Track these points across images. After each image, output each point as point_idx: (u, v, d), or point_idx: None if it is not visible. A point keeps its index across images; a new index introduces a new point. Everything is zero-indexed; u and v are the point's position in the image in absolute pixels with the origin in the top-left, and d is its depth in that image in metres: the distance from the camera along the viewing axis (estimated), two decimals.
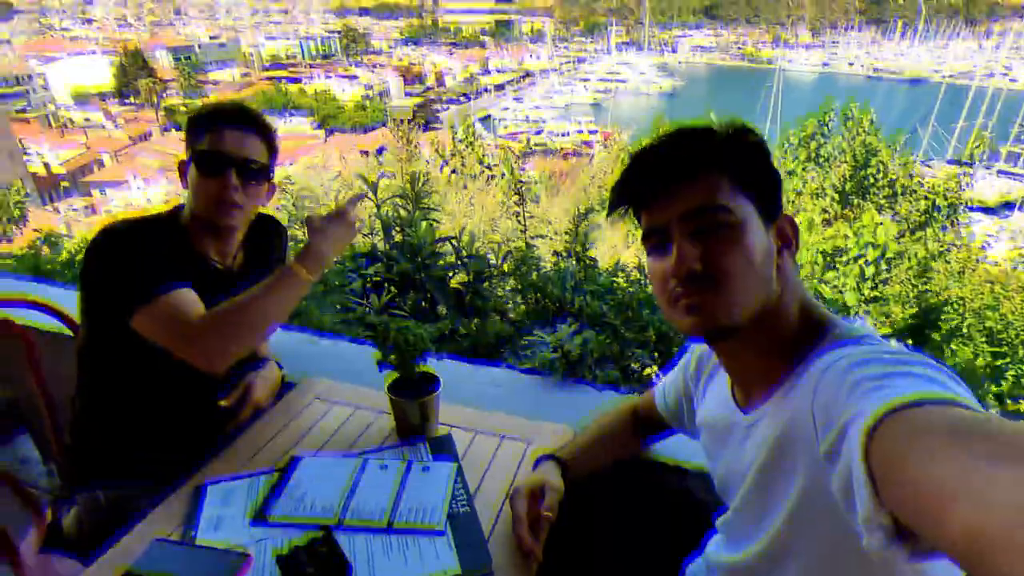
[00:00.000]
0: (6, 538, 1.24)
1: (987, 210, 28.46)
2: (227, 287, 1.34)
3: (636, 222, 0.88)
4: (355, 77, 67.36)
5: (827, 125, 10.04)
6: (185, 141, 1.33)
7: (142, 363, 1.27)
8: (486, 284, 2.71)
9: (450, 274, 2.56)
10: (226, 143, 1.30)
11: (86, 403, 1.37)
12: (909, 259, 7.19)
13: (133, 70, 57.48)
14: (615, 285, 2.24)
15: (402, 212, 2.89)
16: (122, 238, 1.25)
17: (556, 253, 2.73)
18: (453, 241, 2.56)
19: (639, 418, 1.26)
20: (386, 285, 2.63)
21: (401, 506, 1.09)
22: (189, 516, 1.08)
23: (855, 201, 9.39)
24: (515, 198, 3.08)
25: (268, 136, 1.39)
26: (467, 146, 14.19)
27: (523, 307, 2.62)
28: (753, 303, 0.76)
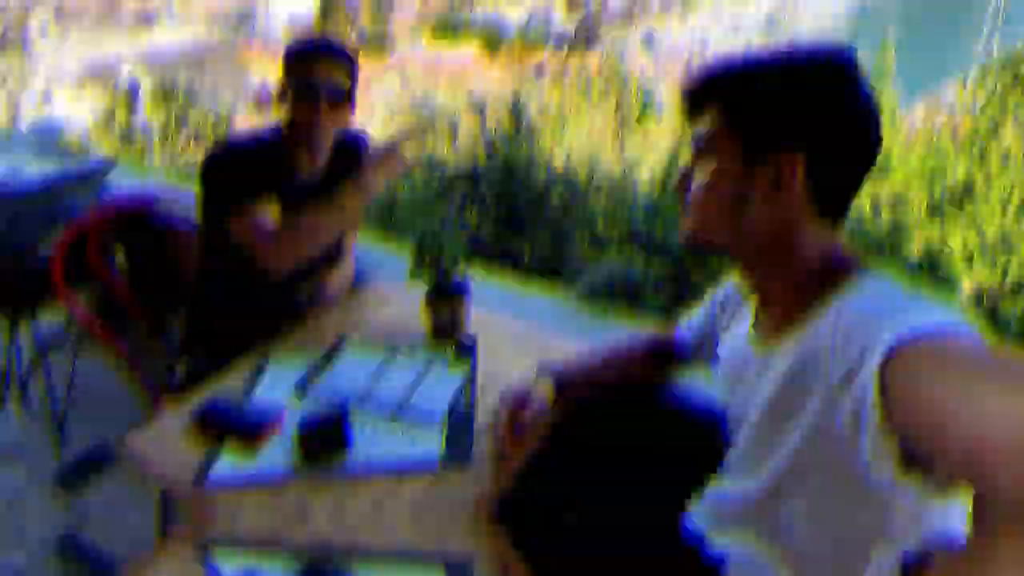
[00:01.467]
0: (151, 389, 1.61)
1: None
2: (312, 195, 1.54)
3: None
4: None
5: None
6: (282, 69, 1.51)
7: (235, 259, 1.52)
8: (579, 205, 2.70)
9: (537, 193, 2.59)
10: (316, 72, 1.47)
11: (198, 288, 1.68)
12: None
13: None
14: None
15: (506, 133, 2.93)
16: (226, 156, 1.51)
17: (653, 180, 2.61)
18: (545, 163, 2.57)
19: (659, 349, 1.24)
20: (483, 199, 2.73)
21: (412, 398, 1.23)
22: (252, 380, 1.31)
23: None
24: (615, 121, 2.95)
25: (350, 64, 1.53)
26: (610, 70, 13.48)
27: (612, 228, 2.58)
28: (711, 224, 0.82)
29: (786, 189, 0.76)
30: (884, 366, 0.58)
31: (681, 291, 1.79)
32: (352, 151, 1.70)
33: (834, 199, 0.79)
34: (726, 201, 0.80)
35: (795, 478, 0.77)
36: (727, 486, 0.95)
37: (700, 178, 0.82)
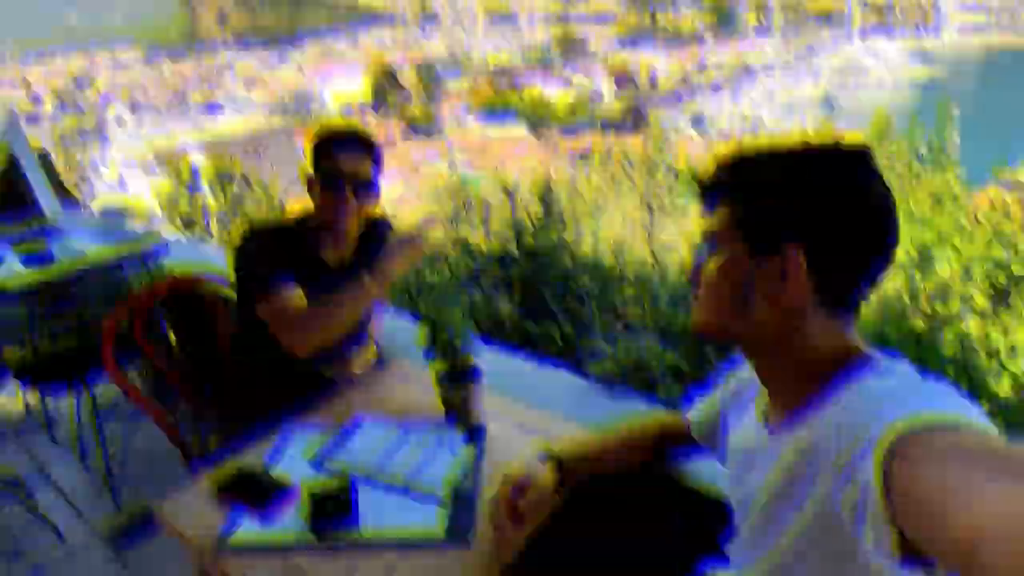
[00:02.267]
0: (191, 457, 1.74)
1: None
2: (337, 282, 1.68)
3: None
4: (568, 81, 69.56)
5: None
6: (310, 159, 1.67)
7: (265, 337, 1.65)
8: (608, 292, 2.78)
9: (562, 279, 2.68)
10: (342, 163, 1.62)
11: (232, 363, 1.82)
12: None
13: (384, 83, 67.13)
14: None
15: (537, 219, 3.09)
16: (256, 240, 1.64)
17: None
18: (573, 248, 2.69)
19: (667, 435, 1.27)
20: (509, 284, 2.85)
21: (421, 475, 1.29)
22: (275, 450, 1.41)
23: None
24: (644, 209, 3.05)
25: (375, 155, 1.68)
26: (658, 151, 13.85)
27: (640, 317, 2.64)
28: (716, 315, 0.85)
29: (791, 283, 0.77)
30: (886, 457, 0.59)
31: (698, 380, 1.81)
32: (377, 238, 1.83)
33: (841, 292, 0.79)
34: (732, 294, 0.82)
35: (796, 565, 0.78)
36: (723, 571, 0.96)
37: (708, 272, 0.85)
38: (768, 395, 0.90)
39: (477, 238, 3.55)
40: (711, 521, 1.18)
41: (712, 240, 0.85)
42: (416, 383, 1.65)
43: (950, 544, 0.50)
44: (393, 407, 1.56)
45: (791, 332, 0.80)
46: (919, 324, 1.96)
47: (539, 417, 1.47)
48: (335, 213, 1.62)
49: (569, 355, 2.22)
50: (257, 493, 1.25)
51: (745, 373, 1.05)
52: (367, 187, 1.65)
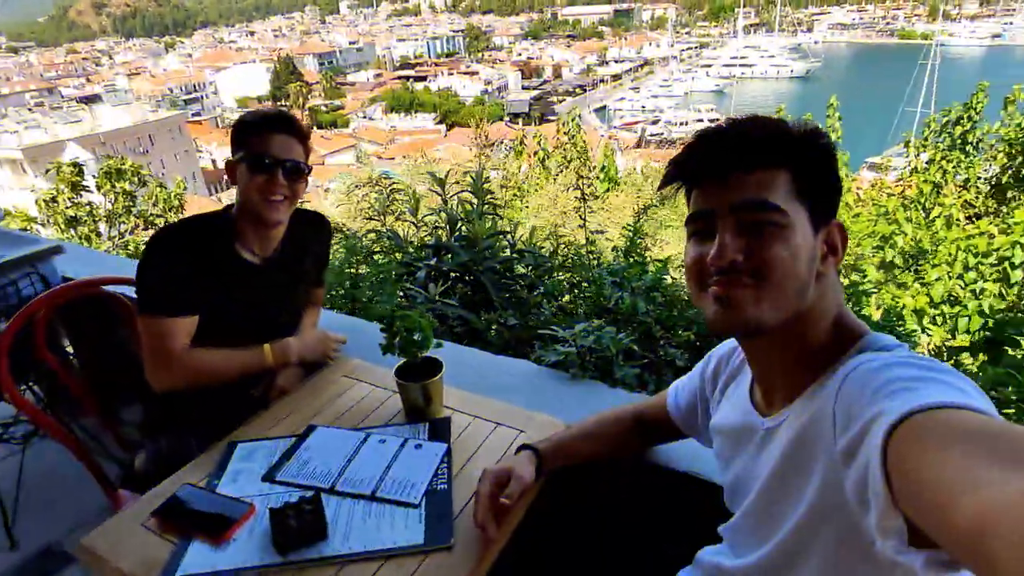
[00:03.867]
0: (107, 480, 1.53)
1: None
2: (262, 280, 1.54)
3: (686, 202, 0.86)
4: (475, 73, 69.45)
5: (975, 108, 8.78)
6: (233, 143, 1.52)
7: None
8: (545, 278, 2.77)
9: (501, 267, 2.64)
10: (273, 145, 1.47)
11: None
12: None
13: (285, 75, 63.81)
14: (662, 281, 2.19)
15: (467, 207, 3.02)
16: (164, 245, 1.44)
17: (615, 249, 2.71)
18: (509, 236, 2.65)
19: (644, 421, 1.25)
20: (448, 275, 2.77)
21: (387, 479, 1.19)
22: (218, 468, 1.27)
23: (1011, 194, 8.16)
24: (576, 193, 3.07)
25: (305, 140, 1.55)
26: (569, 139, 14.14)
27: (580, 303, 2.64)
28: (786, 307, 0.75)
29: (838, 255, 0.77)
30: (888, 440, 0.56)
31: (651, 362, 1.83)
32: (308, 234, 1.69)
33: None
34: (806, 277, 0.74)
35: (800, 551, 0.75)
36: (725, 560, 0.92)
37: (785, 250, 0.73)
38: (761, 373, 0.87)
39: (405, 231, 3.43)
40: (701, 505, 1.19)
41: (769, 212, 0.73)
42: (371, 383, 1.55)
43: (954, 532, 0.48)
44: (349, 411, 1.45)
45: (821, 308, 0.77)
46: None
47: (502, 409, 1.42)
48: (264, 199, 1.47)
49: (519, 344, 2.18)
50: (204, 517, 1.11)
51: (726, 351, 1.03)
52: (299, 172, 1.52)
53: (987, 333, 4.04)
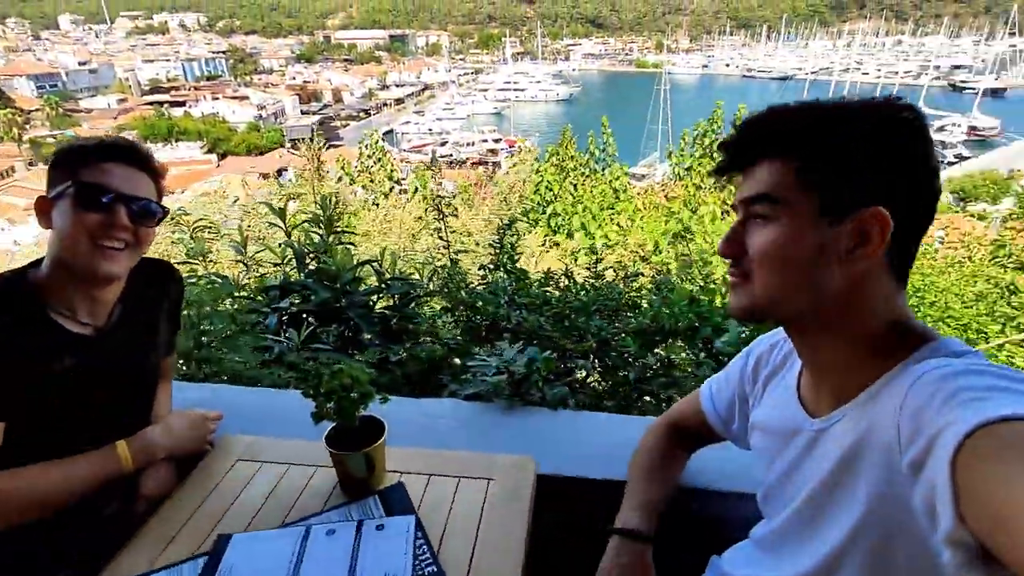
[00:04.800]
0: None
1: None
2: (96, 356, 1.15)
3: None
4: (246, 98, 64.33)
5: (717, 123, 10.83)
6: (50, 177, 1.12)
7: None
8: (413, 306, 2.58)
9: (373, 299, 2.40)
10: (115, 178, 1.11)
11: None
12: None
13: None
14: (548, 295, 2.18)
15: (314, 237, 2.69)
16: None
17: (482, 267, 2.64)
18: (375, 264, 2.41)
19: (680, 430, 1.20)
20: (305, 318, 2.43)
21: None
22: None
23: None
24: (434, 213, 2.95)
25: (159, 178, 1.21)
26: (375, 162, 13.78)
27: (455, 328, 2.51)
28: (777, 296, 0.75)
29: (872, 246, 0.70)
30: (957, 453, 0.54)
31: (565, 374, 1.79)
32: (154, 285, 1.32)
33: (907, 258, 0.74)
34: (800, 264, 0.73)
35: (854, 562, 0.72)
36: (762, 569, 0.89)
37: (764, 243, 0.74)
38: (812, 375, 0.84)
39: (234, 272, 2.95)
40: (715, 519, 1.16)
41: (759, 204, 0.75)
42: (280, 461, 1.25)
43: (1019, 552, 0.46)
44: (265, 504, 1.14)
45: (859, 304, 0.73)
46: (686, 289, 2.31)
47: (454, 458, 1.24)
48: (96, 245, 1.10)
49: (414, 383, 1.98)
50: None
51: (766, 347, 1.00)
52: (149, 214, 1.17)
53: None
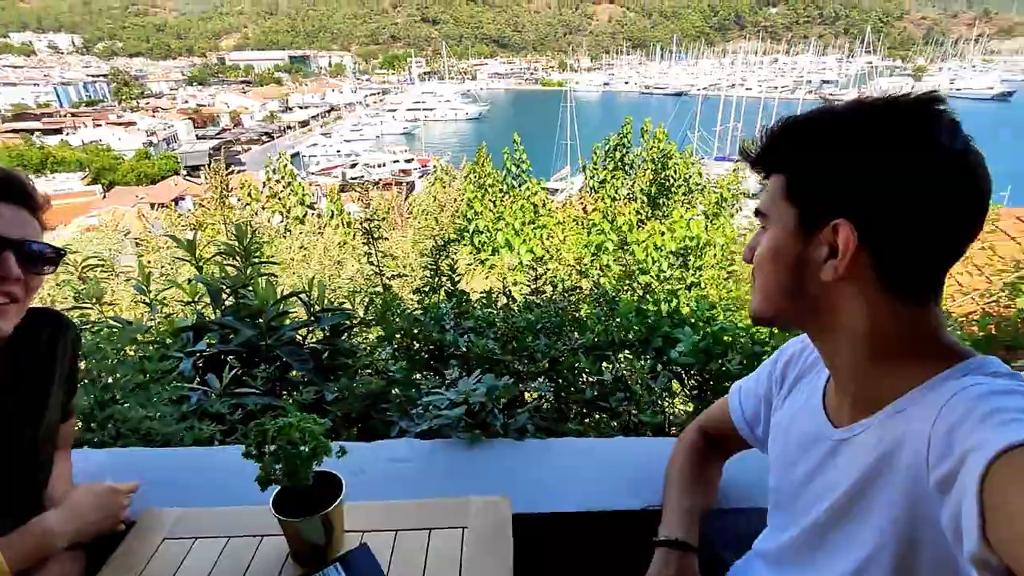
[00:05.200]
0: None
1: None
2: None
3: None
4: (132, 124, 59.99)
5: (627, 137, 11.33)
6: None
7: None
8: (346, 338, 2.41)
9: (302, 334, 2.21)
10: None
11: None
12: (714, 246, 8.16)
13: None
14: (491, 316, 2.09)
15: (229, 270, 2.46)
16: None
17: (418, 291, 2.51)
18: (302, 296, 2.22)
19: (709, 436, 1.17)
20: (225, 360, 2.20)
21: None
22: None
23: (660, 201, 10.63)
24: (362, 237, 2.79)
25: (39, 211, 1.03)
26: (284, 186, 13.13)
27: (394, 359, 2.36)
28: (774, 301, 0.79)
29: (841, 260, 0.69)
30: (987, 472, 0.53)
31: (518, 400, 1.70)
32: (44, 340, 1.12)
33: (907, 276, 0.70)
34: (784, 274, 0.77)
35: (872, 569, 0.71)
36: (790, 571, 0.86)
37: (760, 249, 0.79)
38: (836, 381, 0.82)
39: (136, 314, 2.65)
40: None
41: (759, 216, 0.80)
42: (217, 535, 1.07)
43: None
44: None
45: (849, 313, 0.72)
46: (629, 300, 2.32)
47: (420, 507, 1.13)
48: None
49: (353, 423, 1.83)
50: None
51: (797, 348, 0.98)
52: (39, 258, 0.99)
53: None
